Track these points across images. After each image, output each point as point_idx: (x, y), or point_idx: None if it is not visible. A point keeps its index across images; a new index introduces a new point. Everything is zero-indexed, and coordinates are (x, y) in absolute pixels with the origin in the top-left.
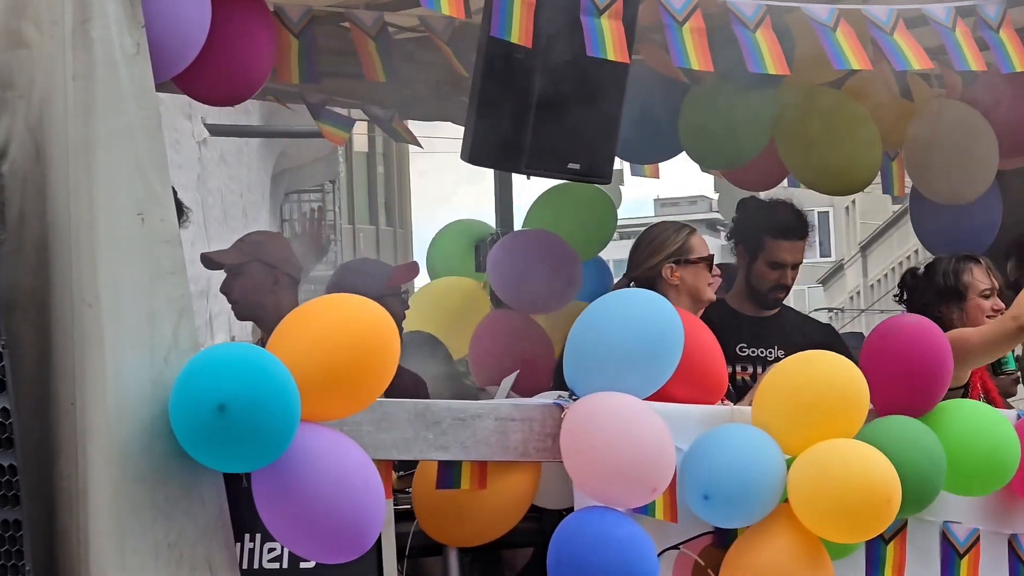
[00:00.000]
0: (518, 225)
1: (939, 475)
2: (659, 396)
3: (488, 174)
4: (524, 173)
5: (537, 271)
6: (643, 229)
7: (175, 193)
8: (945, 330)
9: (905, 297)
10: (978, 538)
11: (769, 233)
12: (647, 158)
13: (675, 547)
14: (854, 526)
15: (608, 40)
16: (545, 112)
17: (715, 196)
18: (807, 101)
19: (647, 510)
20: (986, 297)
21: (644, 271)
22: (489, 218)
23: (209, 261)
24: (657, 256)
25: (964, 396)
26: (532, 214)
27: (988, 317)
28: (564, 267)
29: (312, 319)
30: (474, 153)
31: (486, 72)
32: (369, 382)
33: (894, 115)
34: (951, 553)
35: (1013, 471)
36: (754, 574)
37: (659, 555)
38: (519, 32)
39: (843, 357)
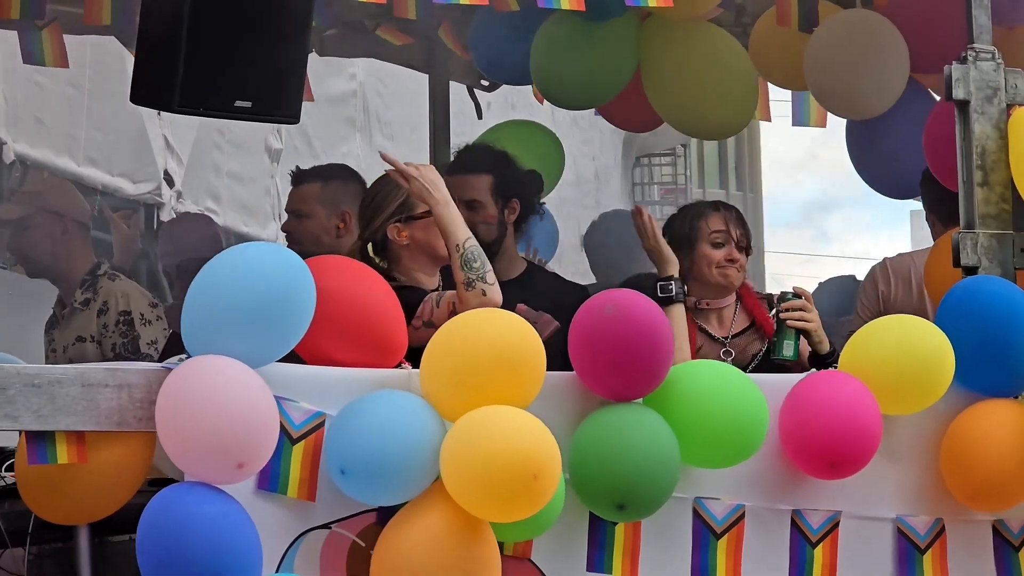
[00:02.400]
0: None
1: (668, 470)
2: (320, 359)
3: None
4: (179, 112)
5: None
6: None
7: None
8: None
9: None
10: (743, 515)
11: None
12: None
13: (326, 526)
14: (499, 502)
15: None
16: (200, 43)
17: None
18: (670, 34)
19: (277, 487)
20: (717, 246)
21: (371, 234)
22: None
23: None
24: (380, 217)
25: None
26: None
27: (717, 267)
28: None
29: None
30: (134, 93)
31: (143, 5)
32: None
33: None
34: (705, 533)
35: (760, 437)
36: (401, 557)
37: (304, 534)
38: None
39: (516, 317)
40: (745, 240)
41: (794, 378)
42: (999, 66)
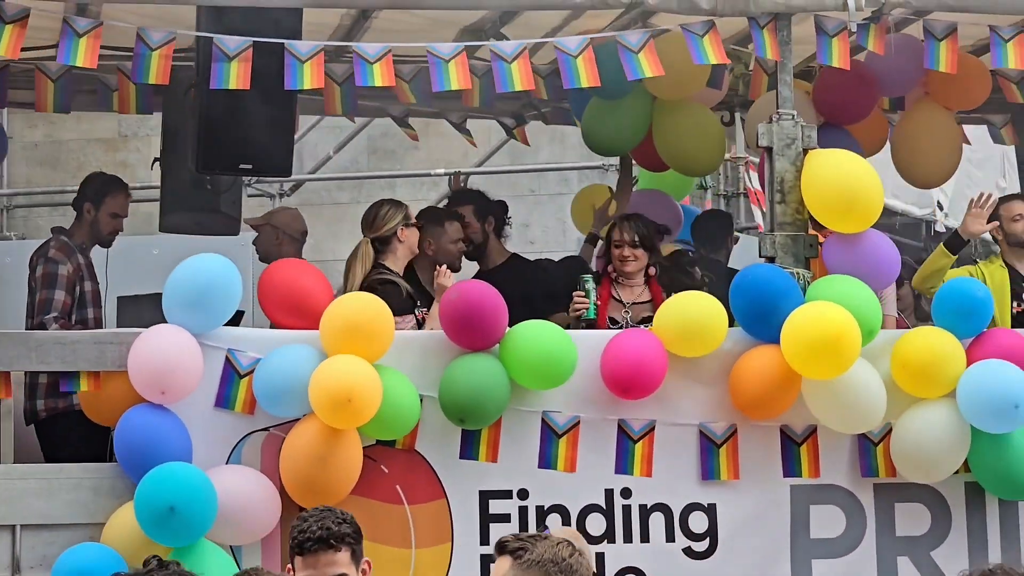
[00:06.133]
0: None
1: (498, 397)
2: (272, 324)
3: None
4: (204, 174)
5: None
6: None
7: None
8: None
9: None
10: (578, 423)
11: None
12: None
13: (265, 429)
14: (331, 416)
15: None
16: (211, 127)
17: None
18: (671, 109)
19: (227, 405)
20: (617, 246)
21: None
22: None
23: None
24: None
25: None
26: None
27: (619, 260)
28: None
29: None
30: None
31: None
32: None
33: None
34: (550, 434)
35: (569, 372)
36: (292, 448)
37: (248, 435)
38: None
39: (375, 299)
40: (642, 239)
41: (612, 333)
42: (797, 124)
